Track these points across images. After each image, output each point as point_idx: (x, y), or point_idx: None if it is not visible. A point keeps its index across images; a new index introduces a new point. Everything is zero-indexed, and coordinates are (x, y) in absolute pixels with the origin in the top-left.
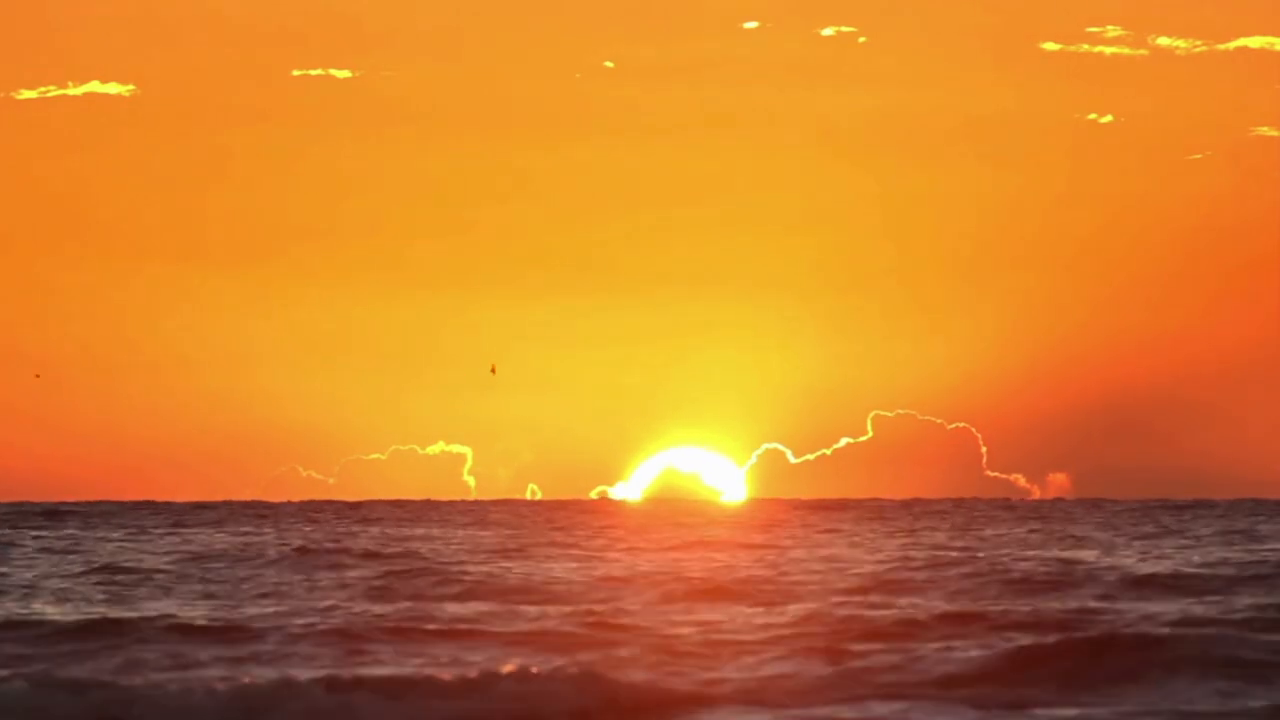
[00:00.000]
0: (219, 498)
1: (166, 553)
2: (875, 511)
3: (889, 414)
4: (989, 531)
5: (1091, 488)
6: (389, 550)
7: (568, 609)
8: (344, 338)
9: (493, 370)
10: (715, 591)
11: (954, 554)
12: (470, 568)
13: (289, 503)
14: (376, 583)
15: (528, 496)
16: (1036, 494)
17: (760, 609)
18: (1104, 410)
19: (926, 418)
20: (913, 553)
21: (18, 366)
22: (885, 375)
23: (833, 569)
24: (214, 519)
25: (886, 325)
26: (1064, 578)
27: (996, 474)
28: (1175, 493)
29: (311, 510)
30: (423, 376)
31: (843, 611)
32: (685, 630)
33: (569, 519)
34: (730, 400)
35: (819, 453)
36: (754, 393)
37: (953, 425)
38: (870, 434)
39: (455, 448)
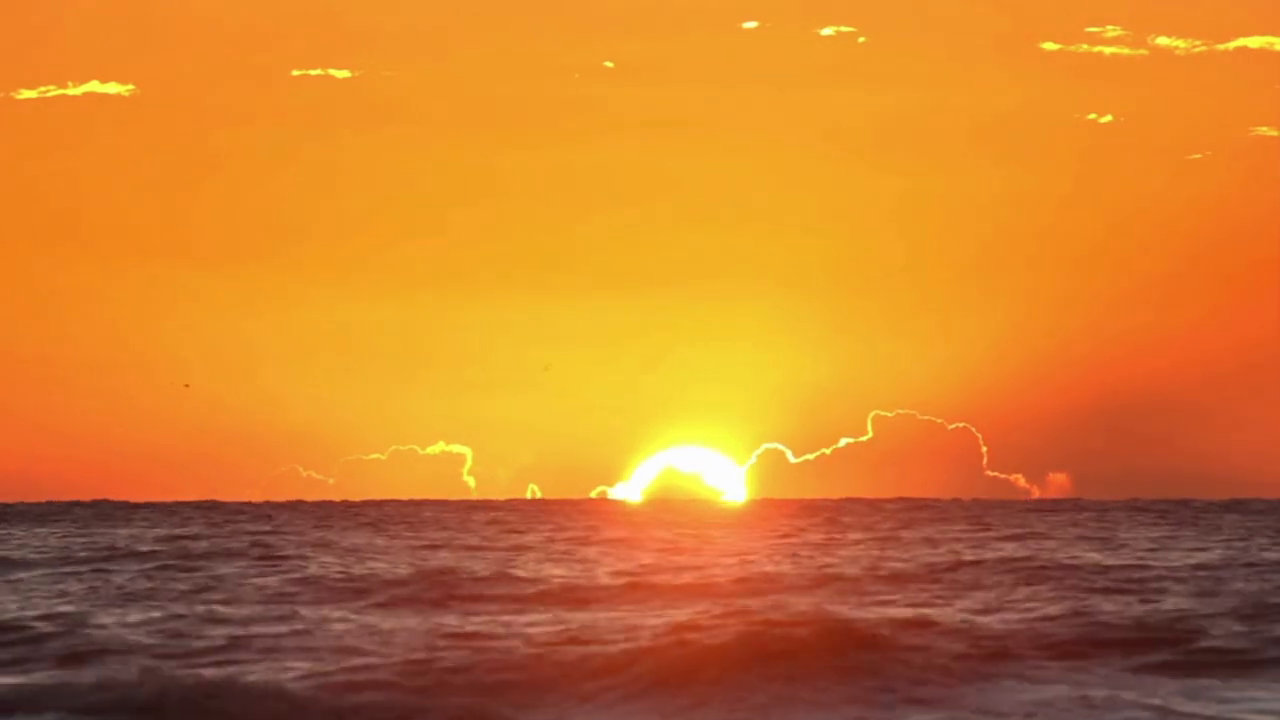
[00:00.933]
0: (219, 498)
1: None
2: (838, 511)
3: (889, 414)
4: (908, 533)
5: (1092, 488)
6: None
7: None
8: (344, 338)
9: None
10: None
11: (812, 554)
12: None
13: (268, 502)
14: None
15: (528, 496)
16: (1036, 494)
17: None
18: (1105, 411)
19: (927, 418)
20: (779, 553)
21: (17, 366)
22: (885, 375)
23: (659, 568)
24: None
25: (886, 325)
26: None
27: (996, 474)
28: (1176, 493)
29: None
30: (423, 376)
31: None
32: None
33: (518, 521)
34: (730, 400)
35: (819, 452)
36: (754, 392)
37: (953, 425)
38: (870, 434)
39: (455, 448)
